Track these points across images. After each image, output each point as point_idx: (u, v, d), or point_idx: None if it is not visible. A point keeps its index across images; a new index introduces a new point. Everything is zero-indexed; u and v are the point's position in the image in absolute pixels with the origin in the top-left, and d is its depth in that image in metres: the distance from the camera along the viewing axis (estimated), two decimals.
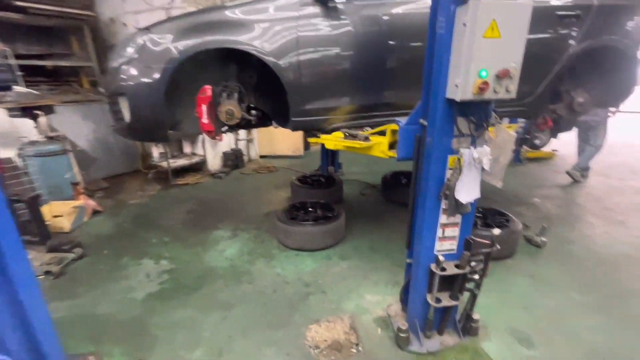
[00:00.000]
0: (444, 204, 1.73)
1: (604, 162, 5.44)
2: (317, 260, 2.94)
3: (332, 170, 4.79)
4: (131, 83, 2.12)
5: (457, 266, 1.82)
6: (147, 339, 2.09)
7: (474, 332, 2.01)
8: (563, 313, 2.23)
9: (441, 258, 1.77)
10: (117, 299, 2.49)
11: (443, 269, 1.79)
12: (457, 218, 1.79)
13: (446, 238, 1.82)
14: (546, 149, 6.76)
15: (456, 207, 1.68)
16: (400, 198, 4.12)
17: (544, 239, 3.04)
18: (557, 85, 2.83)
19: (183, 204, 4.41)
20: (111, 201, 4.53)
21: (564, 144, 6.99)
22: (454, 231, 1.82)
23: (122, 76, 2.14)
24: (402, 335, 1.94)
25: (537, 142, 6.98)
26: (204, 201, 4.51)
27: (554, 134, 7.00)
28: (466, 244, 1.82)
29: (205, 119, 2.17)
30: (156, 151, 5.45)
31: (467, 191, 1.61)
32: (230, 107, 2.24)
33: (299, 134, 6.60)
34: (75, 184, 4.03)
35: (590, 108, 2.93)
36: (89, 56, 5.55)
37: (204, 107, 2.14)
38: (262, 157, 6.67)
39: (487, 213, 3.18)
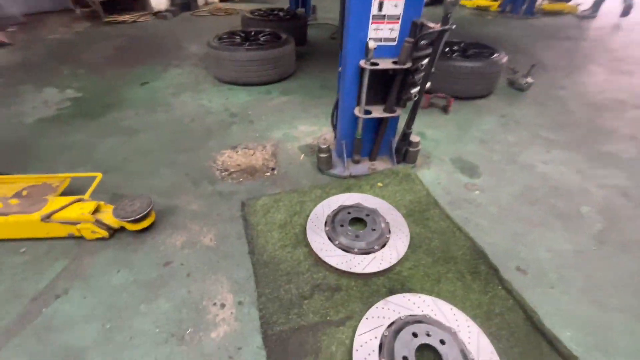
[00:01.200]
0: None
1: (633, 19, 4.47)
2: (252, 94, 2.45)
3: (301, 12, 3.86)
4: None
5: (395, 63, 1.33)
6: (25, 157, 1.76)
7: (412, 159, 1.68)
8: (523, 147, 1.90)
9: (372, 45, 1.25)
10: (0, 122, 2.08)
11: (374, 64, 1.31)
12: None
13: (384, 18, 1.27)
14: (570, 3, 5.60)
15: None
16: None
17: (529, 80, 2.52)
18: None
19: (112, 40, 3.63)
20: (25, 35, 3.73)
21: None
22: (397, 8, 1.25)
23: None
24: (321, 156, 1.60)
25: None
26: (138, 39, 3.71)
27: None
28: (412, 29, 1.29)
29: None
30: None
31: None
32: None
33: None
34: None
35: None
36: None
37: None
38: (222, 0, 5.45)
39: (469, 47, 2.56)
